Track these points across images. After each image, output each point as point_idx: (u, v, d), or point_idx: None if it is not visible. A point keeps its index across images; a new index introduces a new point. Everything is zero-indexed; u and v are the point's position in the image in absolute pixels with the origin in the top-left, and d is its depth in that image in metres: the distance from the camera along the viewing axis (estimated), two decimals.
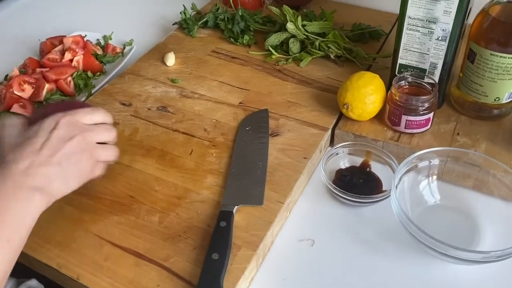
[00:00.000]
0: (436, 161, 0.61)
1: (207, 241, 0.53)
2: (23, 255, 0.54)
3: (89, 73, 0.81)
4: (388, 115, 0.66)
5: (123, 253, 0.53)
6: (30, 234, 0.54)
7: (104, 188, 0.60)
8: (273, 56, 0.80)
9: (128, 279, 0.50)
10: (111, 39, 0.90)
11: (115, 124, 0.69)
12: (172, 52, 0.82)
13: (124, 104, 0.73)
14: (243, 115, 0.70)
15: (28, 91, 0.76)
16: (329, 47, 0.78)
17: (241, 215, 0.56)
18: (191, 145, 0.66)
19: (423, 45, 0.64)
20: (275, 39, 0.80)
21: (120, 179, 0.61)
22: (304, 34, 0.79)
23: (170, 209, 0.57)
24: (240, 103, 0.73)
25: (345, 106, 0.66)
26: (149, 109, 0.72)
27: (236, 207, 0.56)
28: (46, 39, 0.88)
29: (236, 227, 0.54)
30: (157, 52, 0.84)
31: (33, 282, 0.58)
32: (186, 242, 0.54)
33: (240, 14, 0.85)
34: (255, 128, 0.67)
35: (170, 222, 0.56)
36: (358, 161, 0.66)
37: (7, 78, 0.80)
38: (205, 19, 0.88)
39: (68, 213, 0.57)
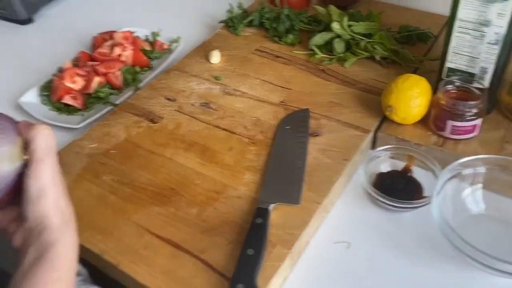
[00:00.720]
0: (482, 169, 0.59)
1: (243, 236, 0.54)
2: None
3: (137, 68, 0.84)
4: (433, 120, 0.64)
5: (162, 243, 0.54)
6: (76, 219, 0.57)
7: (146, 179, 0.62)
8: (317, 56, 0.80)
9: (165, 268, 0.52)
10: (159, 35, 0.92)
11: (159, 118, 0.71)
12: (217, 50, 0.83)
13: (169, 99, 0.75)
14: (283, 114, 0.71)
15: (79, 83, 0.79)
16: (375, 48, 0.77)
17: (277, 213, 0.56)
18: (231, 142, 0.67)
19: (473, 49, 0.62)
20: (319, 38, 0.80)
21: (162, 171, 0.63)
22: (350, 35, 0.78)
23: (208, 203, 0.59)
24: (281, 102, 0.73)
25: (388, 109, 0.65)
26: (192, 104, 0.74)
27: (272, 204, 0.56)
28: (98, 34, 0.91)
29: (272, 225, 0.55)
30: (203, 50, 0.86)
31: (79, 267, 0.61)
32: (222, 236, 0.55)
33: (286, 13, 0.85)
34: (295, 127, 0.67)
35: (208, 216, 0.57)
36: (399, 165, 0.64)
37: (60, 70, 0.84)
38: (250, 18, 0.89)
39: (111, 202, 0.59)
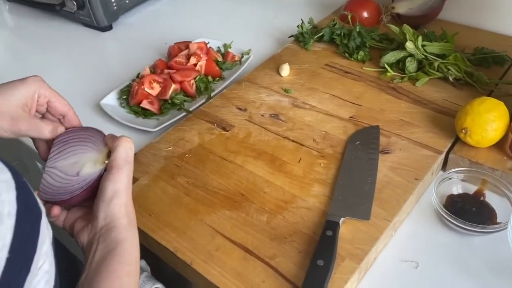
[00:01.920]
0: None
1: (312, 247, 0.55)
2: (143, 234, 0.60)
3: (210, 78, 0.87)
4: (510, 145, 0.63)
5: (233, 246, 0.56)
6: (151, 217, 0.60)
7: (218, 184, 0.64)
8: (388, 74, 0.80)
9: (236, 271, 0.54)
10: (230, 47, 0.96)
11: (231, 126, 0.74)
12: (287, 63, 0.85)
13: (240, 109, 0.78)
14: (353, 129, 0.71)
15: (156, 89, 0.84)
16: (448, 69, 0.76)
17: (346, 227, 0.57)
18: (299, 153, 0.68)
19: None
20: (391, 56, 0.80)
21: (233, 177, 0.65)
22: (423, 54, 0.78)
23: (277, 211, 0.60)
24: (350, 117, 0.74)
25: (463, 131, 0.64)
26: (262, 115, 0.76)
27: (342, 218, 0.57)
28: (174, 43, 0.96)
29: (341, 238, 0.55)
30: (273, 63, 0.88)
31: (142, 262, 0.65)
32: (291, 245, 0.56)
33: (358, 30, 0.86)
34: (365, 143, 0.68)
35: (277, 224, 0.59)
36: (471, 188, 0.63)
37: (139, 76, 0.89)
38: (321, 34, 0.91)
39: (185, 203, 0.62)
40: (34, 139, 0.57)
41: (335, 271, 0.52)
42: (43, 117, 0.57)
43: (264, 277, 0.53)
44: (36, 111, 0.55)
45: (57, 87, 0.97)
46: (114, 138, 0.52)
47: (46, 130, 0.54)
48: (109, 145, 0.52)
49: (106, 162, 0.51)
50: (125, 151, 0.50)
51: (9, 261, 0.31)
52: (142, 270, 0.64)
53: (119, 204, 0.48)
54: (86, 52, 1.06)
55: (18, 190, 0.34)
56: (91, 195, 0.52)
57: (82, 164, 0.52)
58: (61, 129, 0.55)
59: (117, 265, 0.46)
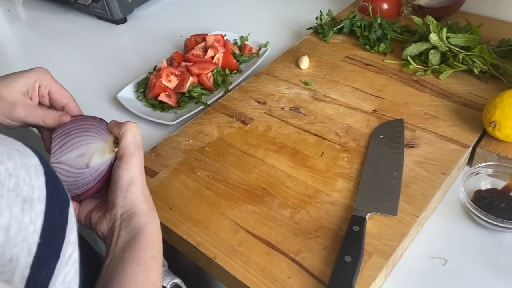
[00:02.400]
0: None
1: (338, 242, 0.54)
2: (164, 228, 0.59)
3: (227, 71, 0.86)
4: None
5: (256, 241, 0.55)
6: (172, 210, 0.59)
7: (240, 178, 0.63)
8: (411, 66, 0.78)
9: (260, 266, 0.52)
10: (247, 40, 0.94)
11: (250, 119, 0.73)
12: (306, 56, 0.84)
13: (259, 102, 0.76)
14: (376, 123, 0.70)
15: (173, 82, 0.82)
16: (473, 62, 0.74)
17: (373, 223, 0.55)
18: (322, 147, 0.67)
19: None
20: (414, 49, 0.78)
21: (254, 171, 0.64)
22: (447, 46, 0.76)
23: (300, 206, 0.59)
24: (373, 110, 0.72)
25: (491, 124, 0.62)
26: (282, 108, 0.75)
27: (369, 214, 0.55)
28: (191, 36, 0.95)
29: (368, 234, 0.54)
30: (291, 55, 0.87)
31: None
32: (316, 241, 0.55)
33: (379, 22, 0.84)
34: (389, 137, 0.66)
35: (301, 219, 0.57)
36: (500, 184, 0.62)
37: (156, 68, 0.88)
38: (340, 25, 0.89)
39: (206, 196, 0.61)
40: (40, 132, 0.56)
41: (362, 268, 0.51)
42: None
43: (289, 273, 0.51)
44: (40, 102, 0.55)
45: (72, 81, 0.97)
46: (118, 124, 0.51)
47: (46, 116, 0.52)
48: (114, 132, 0.50)
49: (115, 150, 0.49)
50: (134, 136, 0.49)
51: (40, 246, 0.31)
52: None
53: (136, 190, 0.48)
54: (101, 45, 1.06)
55: (47, 175, 0.34)
56: (104, 185, 0.50)
57: (90, 155, 0.50)
58: (66, 118, 0.53)
59: (141, 250, 0.45)
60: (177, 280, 0.67)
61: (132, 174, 0.48)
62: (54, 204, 0.33)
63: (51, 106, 0.56)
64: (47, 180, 0.33)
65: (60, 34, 1.12)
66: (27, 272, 0.30)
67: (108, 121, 0.53)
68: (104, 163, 0.49)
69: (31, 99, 0.53)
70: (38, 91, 0.53)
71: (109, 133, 0.51)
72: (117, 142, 0.50)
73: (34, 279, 0.30)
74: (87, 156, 0.50)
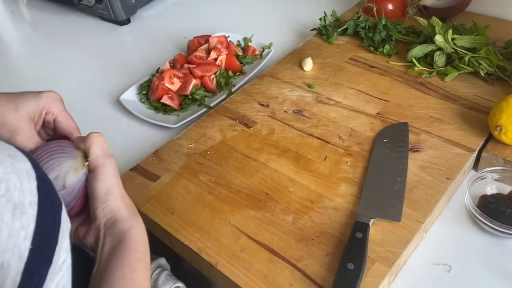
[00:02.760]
0: None
1: (340, 249, 0.53)
2: (165, 233, 0.59)
3: (230, 73, 0.85)
4: None
5: (258, 247, 0.55)
6: (174, 215, 0.59)
7: (242, 182, 0.63)
8: (416, 68, 0.77)
9: (262, 273, 0.52)
10: (251, 41, 0.93)
11: (253, 122, 0.72)
12: (310, 58, 0.83)
13: (262, 105, 0.76)
14: (380, 126, 0.69)
15: (176, 84, 0.82)
16: (480, 64, 0.73)
17: (376, 229, 0.55)
18: (325, 151, 0.66)
19: None
20: (419, 50, 0.77)
21: (257, 175, 0.64)
22: (453, 48, 0.75)
23: (303, 211, 0.58)
24: (377, 113, 0.71)
25: (497, 128, 0.61)
26: (285, 111, 0.74)
27: (372, 219, 0.55)
28: (194, 38, 0.94)
29: (371, 241, 0.53)
30: (295, 57, 0.86)
31: (163, 260, 0.63)
32: (319, 247, 0.54)
33: (383, 23, 0.83)
34: (393, 141, 0.65)
35: (303, 224, 0.57)
36: (506, 189, 0.61)
37: (158, 70, 0.87)
38: (345, 27, 0.88)
39: (208, 201, 0.61)
40: None
41: (365, 275, 0.50)
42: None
43: (292, 280, 0.51)
44: (44, 126, 0.53)
45: (76, 82, 0.97)
46: (83, 138, 0.50)
47: None
48: (81, 147, 0.50)
49: (86, 164, 0.49)
50: (100, 146, 0.48)
51: (32, 252, 0.30)
52: (162, 269, 0.63)
53: (114, 198, 0.47)
54: (104, 46, 1.05)
55: (39, 180, 0.33)
56: (86, 200, 0.50)
57: (64, 175, 0.49)
58: None
59: (126, 253, 0.45)
60: (180, 284, 0.67)
61: (107, 183, 0.47)
62: (47, 209, 0.33)
63: (54, 133, 0.54)
64: (39, 185, 0.33)
65: (63, 34, 1.12)
66: (18, 278, 0.29)
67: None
68: (79, 180, 0.49)
69: (35, 126, 0.52)
70: (44, 118, 0.52)
71: (76, 149, 0.50)
72: (86, 156, 0.49)
73: (26, 286, 0.29)
74: (61, 178, 0.49)
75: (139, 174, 0.66)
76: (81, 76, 0.96)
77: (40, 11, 1.23)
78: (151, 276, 0.63)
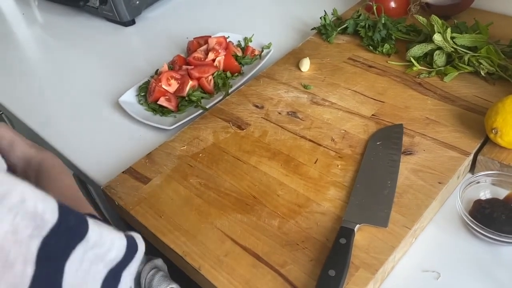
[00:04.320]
0: None
1: (324, 254, 0.52)
2: (152, 236, 0.59)
3: (228, 73, 0.85)
4: None
5: (243, 252, 0.54)
6: (162, 218, 0.59)
7: (231, 185, 0.63)
8: (415, 68, 0.75)
9: (245, 278, 0.52)
10: (251, 41, 0.93)
11: (247, 124, 0.72)
12: (307, 58, 0.82)
13: (257, 106, 0.75)
14: (374, 128, 0.68)
15: (173, 86, 0.82)
16: (480, 63, 0.71)
17: (362, 234, 0.54)
18: (316, 154, 0.65)
19: None
20: (418, 50, 0.75)
21: (246, 178, 0.63)
22: (452, 47, 0.73)
23: (290, 216, 0.58)
24: (372, 115, 0.70)
25: (493, 131, 0.59)
26: (279, 113, 0.73)
27: (358, 225, 0.54)
28: (193, 38, 0.94)
29: (356, 246, 0.53)
30: (293, 57, 0.85)
31: (159, 261, 0.64)
32: (303, 252, 0.53)
33: (383, 22, 0.81)
34: (386, 143, 0.64)
35: (289, 229, 0.56)
36: (502, 193, 0.59)
37: (157, 72, 0.88)
38: (344, 25, 0.87)
39: (197, 205, 0.61)
40: None
41: (348, 282, 0.49)
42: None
43: (273, 286, 0.51)
44: None
45: (80, 83, 0.98)
46: None
47: None
48: None
49: None
50: None
51: None
52: (158, 269, 0.63)
53: (21, 145, 0.51)
54: (109, 48, 1.07)
55: None
56: None
57: None
58: None
59: (46, 174, 0.49)
60: (174, 286, 0.67)
61: (8, 138, 0.50)
62: None
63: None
64: None
65: (71, 36, 1.14)
66: None
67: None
68: None
69: None
70: None
71: None
72: None
73: None
74: None
75: (131, 177, 0.67)
76: (85, 77, 0.97)
77: (50, 13, 1.25)
78: (146, 276, 0.64)
